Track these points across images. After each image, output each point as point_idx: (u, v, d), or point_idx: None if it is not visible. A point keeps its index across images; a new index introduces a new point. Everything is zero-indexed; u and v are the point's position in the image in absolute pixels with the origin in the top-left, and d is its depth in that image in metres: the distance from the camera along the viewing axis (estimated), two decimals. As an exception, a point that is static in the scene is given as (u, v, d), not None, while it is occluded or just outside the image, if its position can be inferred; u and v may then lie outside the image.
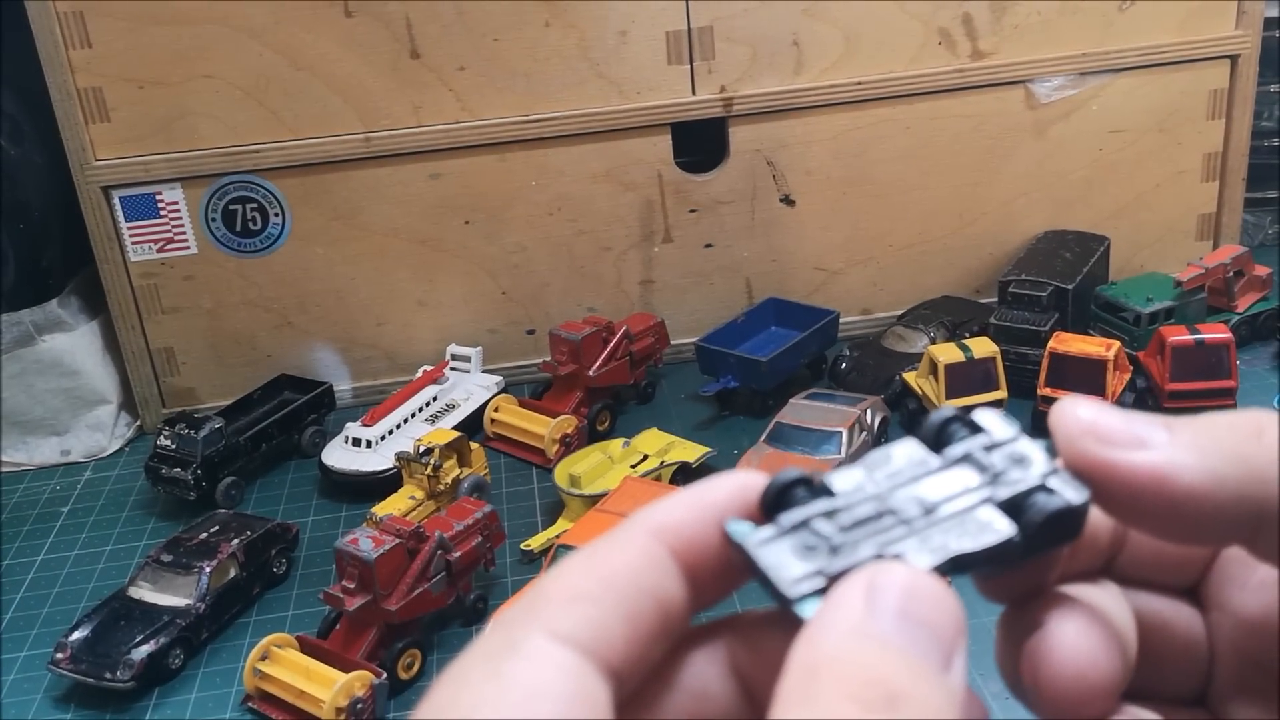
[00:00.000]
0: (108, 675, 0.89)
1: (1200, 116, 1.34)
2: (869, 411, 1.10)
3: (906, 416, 1.16)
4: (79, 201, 1.21)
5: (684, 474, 1.09)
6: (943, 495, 0.25)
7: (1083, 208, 1.36)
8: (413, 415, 1.21)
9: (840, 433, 1.05)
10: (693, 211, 1.31)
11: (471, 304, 1.32)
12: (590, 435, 1.20)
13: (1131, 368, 1.14)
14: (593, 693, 0.23)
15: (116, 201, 1.22)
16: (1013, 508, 0.25)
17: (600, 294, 1.33)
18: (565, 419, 1.17)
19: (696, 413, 1.24)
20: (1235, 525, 0.26)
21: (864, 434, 1.08)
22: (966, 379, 1.11)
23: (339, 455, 1.15)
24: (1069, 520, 0.26)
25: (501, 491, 1.13)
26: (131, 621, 0.93)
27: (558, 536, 0.99)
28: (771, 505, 0.26)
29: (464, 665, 0.23)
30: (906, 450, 0.27)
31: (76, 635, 0.92)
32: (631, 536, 0.26)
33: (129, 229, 1.23)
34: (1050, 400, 1.08)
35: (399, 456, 1.09)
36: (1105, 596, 0.28)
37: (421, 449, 1.07)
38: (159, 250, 1.25)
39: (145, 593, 0.96)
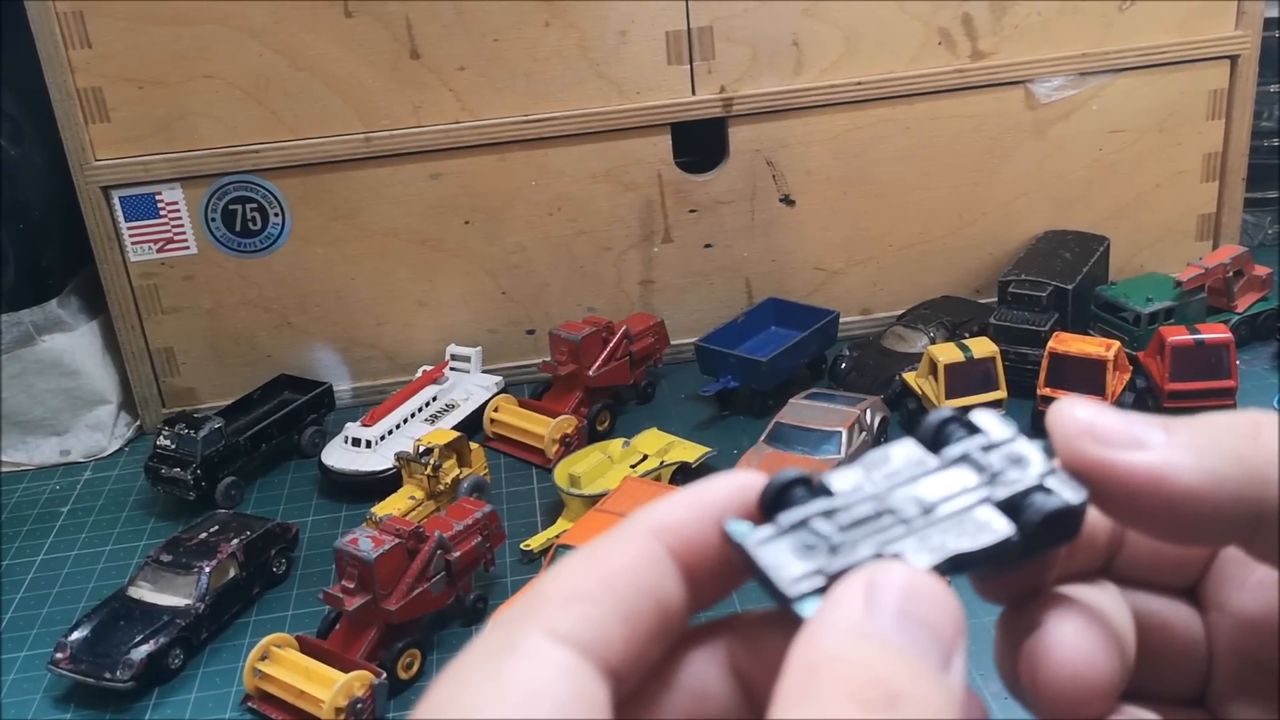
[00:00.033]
0: (107, 675, 0.89)
1: (1200, 116, 1.34)
2: (869, 411, 1.10)
3: (906, 416, 1.16)
4: (79, 201, 1.21)
5: (684, 474, 1.09)
6: (941, 495, 0.26)
7: (1083, 208, 1.36)
8: (412, 415, 1.21)
9: (840, 433, 1.05)
10: (693, 211, 1.31)
11: (471, 304, 1.32)
12: (590, 435, 1.20)
13: (1131, 368, 1.14)
14: (591, 692, 0.23)
15: (116, 201, 1.22)
16: (1011, 508, 0.25)
17: (600, 294, 1.33)
18: (565, 419, 1.17)
19: (696, 413, 1.24)
20: (1233, 525, 0.26)
21: (864, 434, 1.08)
22: (966, 379, 1.12)
23: (339, 455, 1.15)
24: (1067, 520, 0.26)
25: (501, 491, 1.13)
26: (131, 621, 0.93)
27: (557, 536, 0.99)
28: (770, 505, 0.26)
29: (462, 665, 0.23)
30: (904, 451, 0.27)
31: (76, 635, 0.92)
32: (630, 536, 0.26)
33: (129, 229, 1.23)
34: (1050, 400, 1.08)
35: (399, 456, 1.09)
36: (1104, 597, 0.28)
37: (421, 449, 1.07)
38: (159, 250, 1.25)
39: (145, 593, 0.96)
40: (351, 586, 0.87)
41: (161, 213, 1.23)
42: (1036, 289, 1.21)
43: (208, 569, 0.95)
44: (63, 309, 1.25)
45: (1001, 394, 1.12)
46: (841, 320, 1.30)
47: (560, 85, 1.23)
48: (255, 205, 1.24)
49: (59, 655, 0.90)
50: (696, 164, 1.30)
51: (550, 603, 0.24)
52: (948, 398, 1.10)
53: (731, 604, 0.26)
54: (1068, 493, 0.26)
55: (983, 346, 1.13)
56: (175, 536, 1.01)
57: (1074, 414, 0.26)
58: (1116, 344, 1.12)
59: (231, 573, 0.97)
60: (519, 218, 1.28)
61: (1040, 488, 0.26)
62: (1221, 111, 1.34)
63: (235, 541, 0.99)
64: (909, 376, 1.17)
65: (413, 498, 1.05)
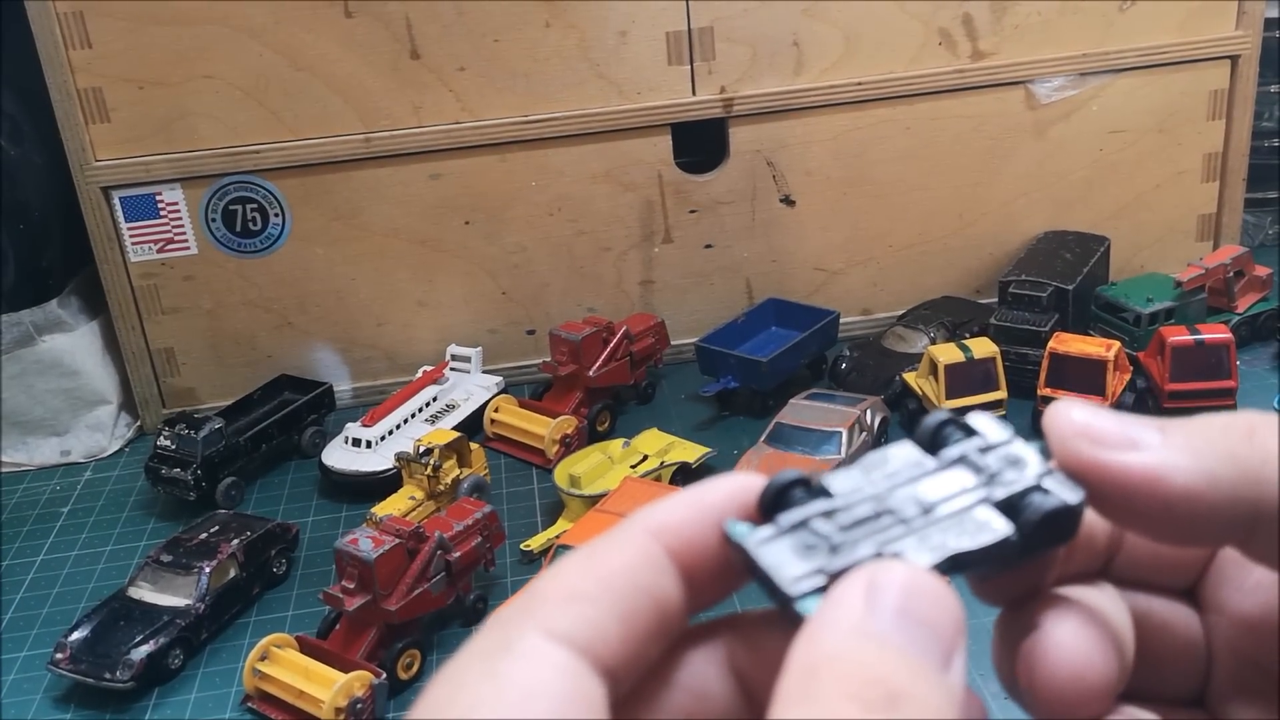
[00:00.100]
0: (107, 675, 0.89)
1: (1200, 117, 1.34)
2: (869, 412, 1.10)
3: (906, 417, 1.16)
4: (79, 202, 1.21)
5: (684, 474, 1.09)
6: (940, 495, 0.26)
7: (1083, 208, 1.36)
8: (413, 415, 1.21)
9: (840, 433, 1.05)
10: (693, 212, 1.31)
11: (471, 304, 1.32)
12: (590, 435, 1.20)
13: (1131, 368, 1.14)
14: (589, 692, 0.23)
15: (116, 202, 1.22)
16: (1009, 508, 0.25)
17: (600, 294, 1.33)
18: (565, 419, 1.17)
19: (696, 413, 1.24)
20: (1229, 526, 0.26)
21: (864, 434, 1.08)
22: (966, 379, 1.12)
23: (339, 455, 1.15)
24: (1065, 520, 0.26)
25: (501, 492, 1.13)
26: (131, 622, 0.93)
27: (557, 537, 0.99)
28: (770, 506, 0.26)
29: (460, 664, 0.23)
30: (903, 452, 0.27)
31: (76, 635, 0.92)
32: (629, 537, 0.26)
33: (129, 229, 1.23)
34: (1050, 400, 1.08)
35: (399, 457, 1.09)
36: (1102, 598, 0.28)
37: (421, 449, 1.07)
38: (159, 250, 1.25)
39: (145, 593, 0.96)
40: (351, 587, 0.87)
41: (162, 213, 1.23)
42: (1037, 289, 1.21)
43: (208, 569, 0.95)
44: (63, 309, 1.25)
45: (1002, 394, 1.12)
46: (842, 320, 1.30)
47: (560, 85, 1.23)
48: (255, 205, 1.24)
49: (59, 655, 0.90)
50: (697, 164, 1.30)
51: (548, 602, 0.24)
52: (948, 398, 1.10)
53: (732, 604, 0.26)
54: (1065, 493, 0.26)
55: (983, 347, 1.13)
56: (175, 537, 1.01)
57: (1070, 415, 0.26)
58: (1117, 344, 1.12)
59: (231, 573, 0.97)
60: (519, 218, 1.28)
61: (1038, 488, 0.26)
62: (1222, 112, 1.34)
63: (235, 542, 0.99)
64: (909, 377, 1.17)
65: (413, 498, 1.05)
